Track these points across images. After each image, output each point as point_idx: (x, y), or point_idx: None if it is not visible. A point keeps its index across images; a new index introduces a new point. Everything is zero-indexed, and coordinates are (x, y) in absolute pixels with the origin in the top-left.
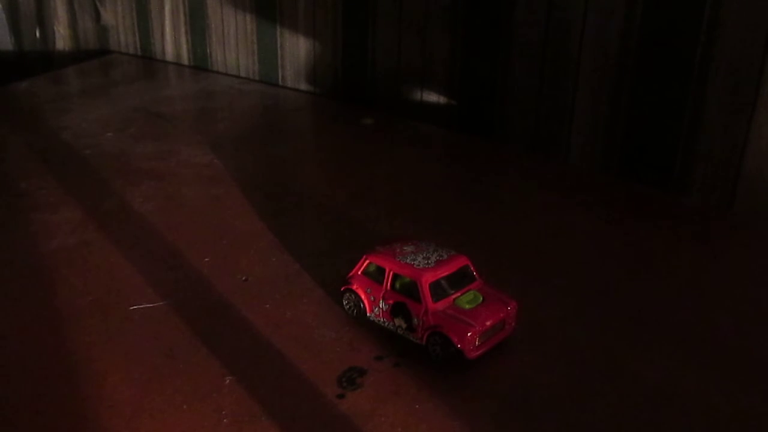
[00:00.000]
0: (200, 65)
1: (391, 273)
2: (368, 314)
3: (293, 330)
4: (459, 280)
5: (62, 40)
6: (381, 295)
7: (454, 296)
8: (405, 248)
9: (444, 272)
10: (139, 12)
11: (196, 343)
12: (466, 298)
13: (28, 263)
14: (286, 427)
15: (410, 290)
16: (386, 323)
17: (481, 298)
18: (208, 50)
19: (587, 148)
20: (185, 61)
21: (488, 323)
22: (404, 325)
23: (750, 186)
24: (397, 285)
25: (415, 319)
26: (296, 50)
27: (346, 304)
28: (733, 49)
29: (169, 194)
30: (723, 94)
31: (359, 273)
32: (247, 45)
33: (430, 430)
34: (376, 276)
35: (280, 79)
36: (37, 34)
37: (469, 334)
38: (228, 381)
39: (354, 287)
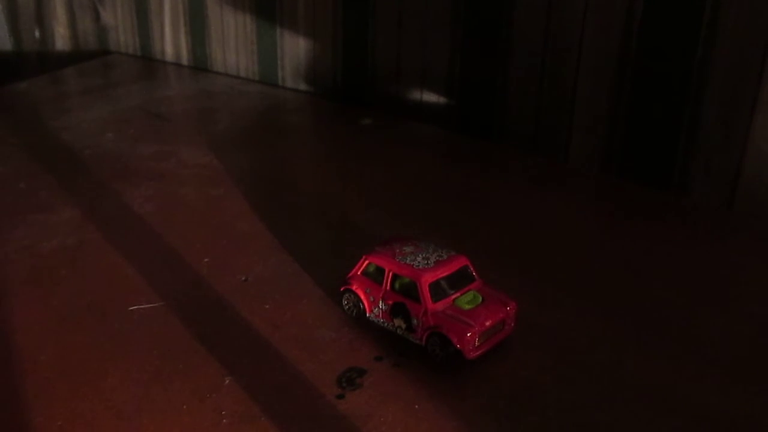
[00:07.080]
0: (200, 65)
1: (391, 273)
2: (368, 314)
3: (293, 330)
4: (458, 280)
5: (62, 40)
6: (380, 295)
7: (453, 296)
8: (404, 248)
9: (443, 272)
10: (138, 12)
11: (195, 343)
12: (466, 299)
13: (27, 263)
14: (285, 427)
15: (410, 290)
16: (386, 323)
17: (481, 299)
18: (207, 50)
19: (587, 148)
20: (185, 61)
21: (488, 323)
22: (404, 326)
23: (750, 186)
24: (397, 285)
25: (415, 320)
26: (296, 51)
27: (346, 305)
28: (733, 49)
29: (168, 195)
30: (723, 94)
31: (359, 273)
32: (247, 45)
33: (430, 430)
34: (375, 276)
35: (279, 80)
36: (37, 35)
37: (468, 334)
38: (227, 381)
39: (353, 287)
